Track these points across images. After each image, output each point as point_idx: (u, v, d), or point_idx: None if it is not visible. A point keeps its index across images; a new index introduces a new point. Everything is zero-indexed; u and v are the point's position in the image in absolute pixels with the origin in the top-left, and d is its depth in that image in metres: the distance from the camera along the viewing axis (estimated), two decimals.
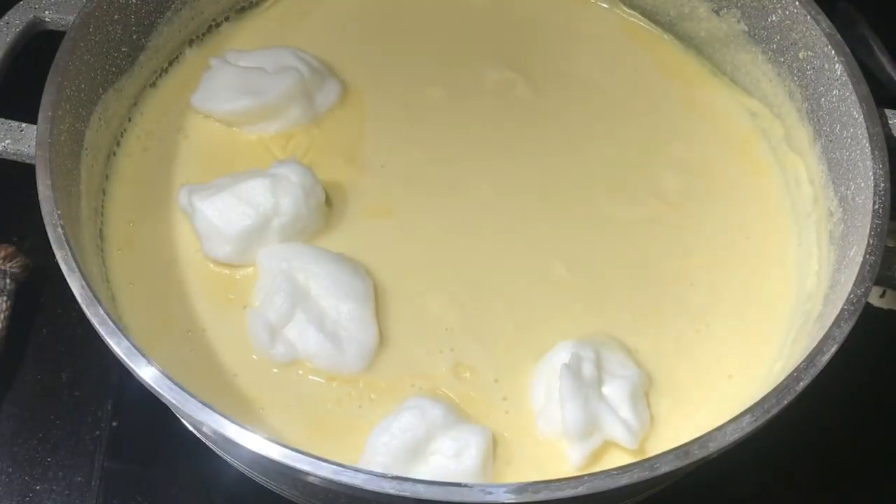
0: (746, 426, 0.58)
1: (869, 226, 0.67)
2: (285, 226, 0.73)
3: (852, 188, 0.72)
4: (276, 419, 0.68)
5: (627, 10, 0.93)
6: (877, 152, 0.70)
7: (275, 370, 0.70)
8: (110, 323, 0.60)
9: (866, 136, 0.71)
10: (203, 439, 0.69)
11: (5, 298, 0.82)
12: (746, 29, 0.85)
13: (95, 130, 0.75)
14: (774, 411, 0.59)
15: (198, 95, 0.82)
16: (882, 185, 0.69)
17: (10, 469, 0.78)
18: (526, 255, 0.77)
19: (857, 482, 0.82)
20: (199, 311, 0.72)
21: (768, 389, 0.60)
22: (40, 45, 0.75)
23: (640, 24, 0.92)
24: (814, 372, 0.60)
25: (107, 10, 0.75)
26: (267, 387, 0.69)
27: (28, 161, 0.69)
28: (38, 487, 0.78)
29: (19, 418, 0.81)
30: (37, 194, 0.64)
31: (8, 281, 0.83)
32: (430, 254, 0.76)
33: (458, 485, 0.55)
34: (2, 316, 0.82)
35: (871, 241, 0.66)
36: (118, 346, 0.59)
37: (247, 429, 0.56)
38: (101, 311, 0.60)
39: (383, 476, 0.54)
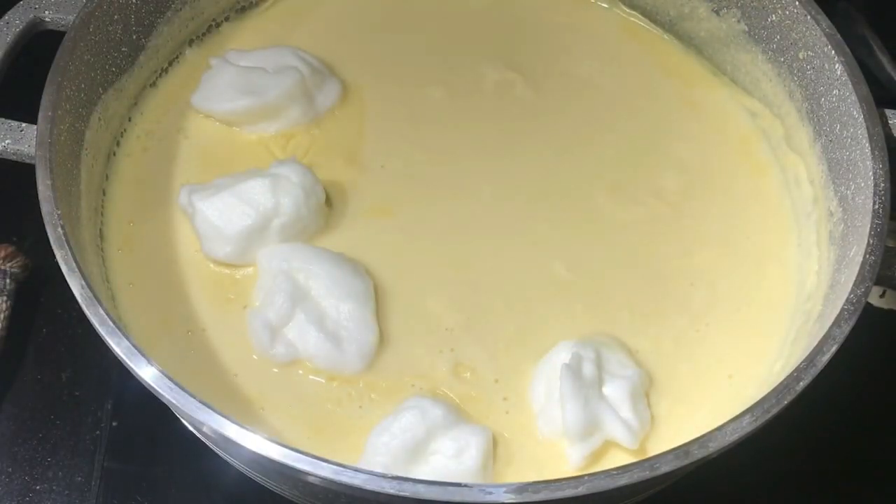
0: (746, 426, 0.58)
1: (869, 226, 0.67)
2: (285, 226, 0.73)
3: (852, 188, 0.72)
4: (276, 419, 0.68)
5: (627, 10, 0.93)
6: (877, 152, 0.70)
7: (275, 370, 0.70)
8: (110, 323, 0.60)
9: (866, 136, 0.71)
10: (203, 439, 0.69)
11: (5, 298, 0.82)
12: (746, 29, 0.85)
13: (95, 130, 0.75)
14: (774, 411, 0.59)
15: (198, 95, 0.82)
16: (882, 185, 0.69)
17: (10, 469, 0.78)
18: (526, 254, 0.77)
19: (857, 482, 0.82)
20: (200, 311, 0.72)
21: (768, 389, 0.60)
22: (40, 45, 0.75)
23: (639, 24, 0.92)
24: (814, 372, 0.60)
25: (107, 10, 0.75)
26: (267, 387, 0.69)
27: (28, 161, 0.69)
28: (38, 487, 0.78)
29: (19, 418, 0.81)
30: (37, 194, 0.64)
31: (8, 281, 0.83)
32: (431, 254, 0.76)
33: (458, 485, 0.55)
34: (2, 316, 0.82)
35: (871, 241, 0.66)
36: (118, 346, 0.59)
37: (247, 429, 0.56)
38: (101, 311, 0.60)
39: (383, 476, 0.54)
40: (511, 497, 0.54)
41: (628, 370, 0.69)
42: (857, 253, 0.67)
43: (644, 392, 0.70)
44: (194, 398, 0.57)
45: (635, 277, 0.76)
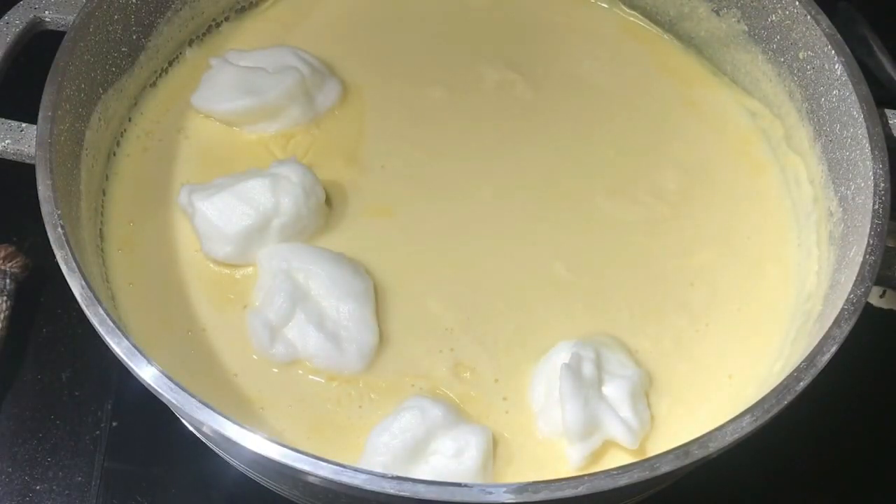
0: (746, 426, 0.58)
1: (869, 226, 0.67)
2: (285, 226, 0.73)
3: (852, 188, 0.72)
4: (276, 419, 0.68)
5: (627, 10, 0.93)
6: (877, 152, 0.70)
7: (275, 370, 0.70)
8: (110, 323, 0.60)
9: (866, 136, 0.71)
10: (203, 439, 0.69)
11: (5, 298, 0.82)
12: (746, 29, 0.85)
13: (95, 130, 0.75)
14: (774, 411, 0.59)
15: (198, 95, 0.82)
16: (882, 185, 0.69)
17: (10, 469, 0.78)
18: (526, 255, 0.77)
19: (857, 482, 0.82)
20: (199, 311, 0.72)
21: (768, 389, 0.60)
22: (40, 45, 0.75)
23: (639, 24, 0.92)
24: (814, 372, 0.60)
25: (107, 10, 0.75)
26: (267, 387, 0.69)
27: (28, 161, 0.69)
28: (38, 487, 0.78)
29: (19, 418, 0.81)
30: (37, 194, 0.64)
31: (8, 281, 0.83)
32: (431, 254, 0.76)
33: (458, 485, 0.55)
34: (2, 316, 0.82)
35: (871, 241, 0.66)
36: (118, 346, 0.59)
37: (247, 429, 0.56)
38: (101, 311, 0.60)
39: (383, 476, 0.54)
40: (511, 497, 0.54)
41: (628, 370, 0.69)
42: (857, 253, 0.67)
43: (644, 392, 0.70)
44: (194, 398, 0.57)
45: (635, 277, 0.76)
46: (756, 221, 0.80)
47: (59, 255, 0.62)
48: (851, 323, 0.62)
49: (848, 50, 0.75)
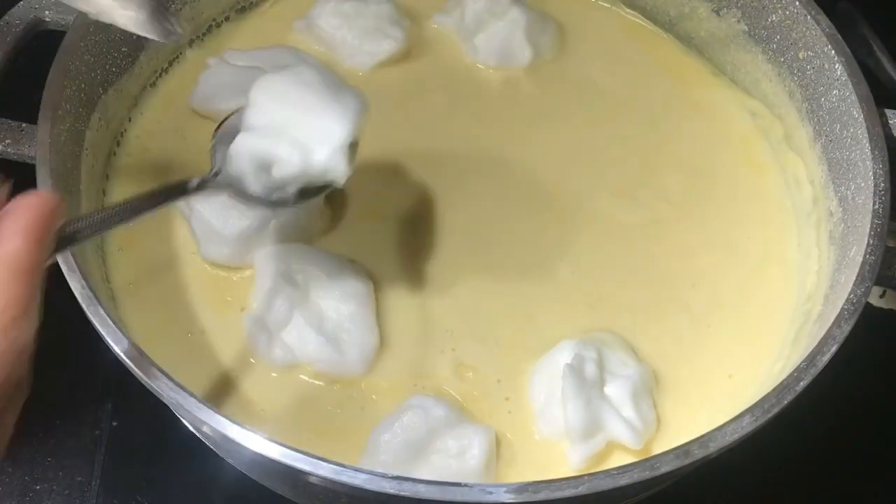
0: (746, 426, 0.58)
1: (869, 226, 0.67)
2: (283, 227, 0.73)
3: (852, 188, 0.72)
4: (277, 420, 0.68)
5: (628, 10, 0.93)
6: (877, 152, 0.70)
7: (274, 374, 0.70)
8: (110, 323, 0.60)
9: (866, 136, 0.71)
10: (203, 439, 0.69)
11: None
12: (746, 29, 0.85)
13: (95, 130, 0.75)
14: (774, 411, 0.59)
15: (196, 95, 0.82)
16: (882, 185, 0.69)
17: (10, 469, 0.78)
18: (529, 256, 0.77)
19: (857, 482, 0.82)
20: (199, 312, 0.72)
21: (768, 389, 0.60)
22: (40, 45, 0.75)
23: (640, 24, 0.93)
24: (814, 372, 0.60)
25: None
26: (267, 389, 0.69)
27: (28, 161, 0.69)
28: (38, 487, 0.78)
29: (19, 419, 0.81)
30: None
31: None
32: (431, 255, 0.76)
33: (459, 484, 0.55)
34: None
35: (871, 241, 0.66)
36: (118, 346, 0.59)
37: (247, 429, 0.56)
38: (101, 311, 0.60)
39: (383, 475, 0.54)
40: (511, 497, 0.54)
41: (629, 369, 0.69)
42: (857, 253, 0.67)
43: (649, 391, 0.70)
44: (194, 398, 0.57)
45: (636, 278, 0.76)
46: (756, 222, 0.80)
47: (59, 255, 0.62)
48: (851, 323, 0.62)
49: (848, 50, 0.75)
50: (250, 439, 0.56)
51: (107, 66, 0.77)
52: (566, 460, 0.66)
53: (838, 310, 0.63)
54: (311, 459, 0.55)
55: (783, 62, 0.82)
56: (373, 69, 0.86)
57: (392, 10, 0.87)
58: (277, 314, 0.70)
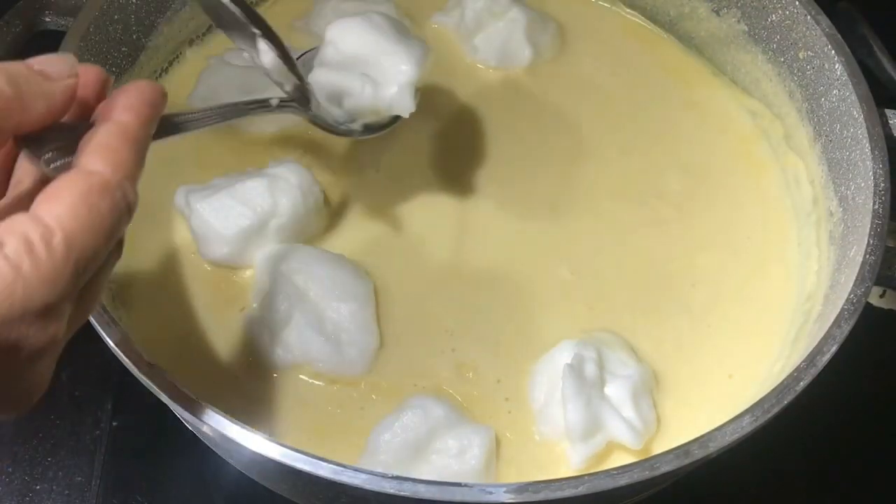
0: (746, 426, 0.58)
1: (869, 226, 0.67)
2: (284, 227, 0.73)
3: (852, 188, 0.72)
4: (277, 421, 0.68)
5: (628, 10, 0.93)
6: (877, 152, 0.70)
7: (275, 374, 0.70)
8: (110, 323, 0.60)
9: (866, 136, 0.71)
10: (203, 439, 0.69)
11: None
12: (746, 29, 0.85)
13: None
14: (774, 411, 0.59)
15: (195, 95, 0.82)
16: (882, 185, 0.69)
17: (10, 469, 0.78)
18: (528, 255, 0.77)
19: (857, 482, 0.82)
20: (199, 312, 0.72)
21: (768, 389, 0.60)
22: (40, 45, 0.75)
23: (640, 24, 0.93)
24: (814, 372, 0.60)
25: (107, 10, 0.75)
26: (267, 389, 0.69)
27: None
28: (38, 487, 0.78)
29: (19, 418, 0.81)
30: None
31: None
32: (430, 255, 0.76)
33: (458, 484, 0.55)
34: None
35: (871, 241, 0.66)
36: (118, 346, 0.59)
37: (247, 429, 0.56)
38: (101, 311, 0.60)
39: (383, 475, 0.54)
40: (511, 497, 0.54)
41: (629, 369, 0.69)
42: (857, 253, 0.67)
43: (649, 391, 0.70)
44: (194, 398, 0.57)
45: (637, 279, 0.76)
46: (756, 222, 0.80)
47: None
48: (851, 323, 0.62)
49: (848, 50, 0.75)
50: (250, 439, 0.56)
51: (107, 67, 0.77)
52: (566, 460, 0.66)
53: (838, 310, 0.63)
54: (311, 459, 0.55)
55: (783, 62, 0.82)
56: None
57: (392, 9, 0.87)
58: (277, 314, 0.70)
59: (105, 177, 0.44)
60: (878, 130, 0.71)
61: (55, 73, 0.46)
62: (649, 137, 0.85)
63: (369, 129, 0.73)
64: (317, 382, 0.69)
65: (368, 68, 0.70)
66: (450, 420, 0.65)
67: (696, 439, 0.57)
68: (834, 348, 0.61)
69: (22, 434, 0.80)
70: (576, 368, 0.66)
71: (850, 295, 0.64)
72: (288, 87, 0.68)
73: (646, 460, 0.56)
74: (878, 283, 0.65)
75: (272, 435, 0.56)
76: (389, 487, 0.54)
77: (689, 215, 0.80)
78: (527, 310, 0.74)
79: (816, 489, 0.81)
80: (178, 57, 0.86)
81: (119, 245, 0.48)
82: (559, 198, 0.80)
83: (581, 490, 0.54)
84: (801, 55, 0.79)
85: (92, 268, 0.44)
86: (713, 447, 0.57)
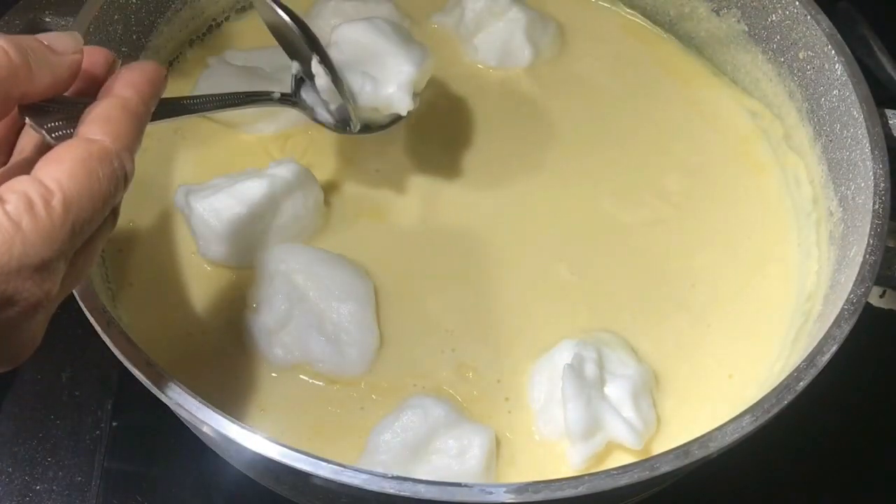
0: (746, 426, 0.58)
1: (869, 226, 0.67)
2: (283, 227, 0.73)
3: (852, 188, 0.72)
4: (277, 421, 0.68)
5: (628, 10, 0.93)
6: (877, 152, 0.70)
7: (274, 374, 0.70)
8: (110, 323, 0.60)
9: (866, 136, 0.71)
10: (203, 439, 0.69)
11: None
12: (746, 29, 0.85)
13: None
14: (774, 411, 0.59)
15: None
16: (882, 185, 0.69)
17: (10, 469, 0.78)
18: (528, 255, 0.77)
19: (857, 482, 0.82)
20: (199, 312, 0.72)
21: (768, 389, 0.60)
22: None
23: (640, 24, 0.93)
24: (814, 372, 0.60)
25: (107, 10, 0.75)
26: (267, 389, 0.69)
27: None
28: (38, 487, 0.78)
29: (19, 418, 0.81)
30: None
31: None
32: (430, 255, 0.76)
33: (458, 484, 0.54)
34: None
35: (871, 241, 0.66)
36: (118, 347, 0.59)
37: (247, 429, 0.56)
38: (102, 312, 0.60)
39: (383, 475, 0.54)
40: (511, 497, 0.54)
41: (629, 369, 0.69)
42: (857, 253, 0.67)
43: (649, 391, 0.70)
44: (194, 398, 0.57)
45: (637, 278, 0.76)
46: (756, 222, 0.80)
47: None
48: (851, 323, 0.62)
49: (848, 50, 0.75)
50: (250, 439, 0.56)
51: None
52: (566, 460, 0.66)
53: (838, 310, 0.63)
54: (311, 459, 0.55)
55: (783, 62, 0.82)
56: None
57: (392, 9, 0.87)
58: (277, 314, 0.70)
59: (104, 145, 0.47)
60: (878, 130, 0.71)
61: (62, 47, 0.49)
62: (649, 137, 0.85)
63: (367, 127, 0.75)
64: (317, 382, 0.69)
65: (369, 68, 0.72)
66: (450, 420, 0.65)
67: (696, 439, 0.57)
68: (834, 348, 0.61)
69: (22, 434, 0.80)
70: (576, 368, 0.66)
71: (850, 295, 0.64)
72: (332, 107, 0.73)
73: (646, 460, 0.56)
74: (878, 283, 0.65)
75: (272, 435, 0.56)
76: (389, 487, 0.54)
77: (688, 215, 0.80)
78: (527, 310, 0.74)
79: (816, 489, 0.81)
80: (178, 57, 0.86)
81: (114, 214, 0.50)
82: (559, 198, 0.80)
83: (581, 490, 0.54)
84: (801, 55, 0.79)
85: (88, 230, 0.46)
86: (713, 447, 0.57)
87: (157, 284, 0.73)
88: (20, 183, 0.44)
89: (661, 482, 0.62)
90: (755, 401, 0.59)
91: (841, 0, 0.95)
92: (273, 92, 0.71)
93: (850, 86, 0.73)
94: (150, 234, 0.75)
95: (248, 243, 0.73)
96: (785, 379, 0.60)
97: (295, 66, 0.73)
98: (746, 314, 0.75)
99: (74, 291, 0.61)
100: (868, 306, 0.64)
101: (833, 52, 0.75)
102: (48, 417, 0.81)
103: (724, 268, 0.77)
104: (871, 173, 0.69)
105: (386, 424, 0.65)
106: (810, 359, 0.61)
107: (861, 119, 0.71)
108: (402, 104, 0.72)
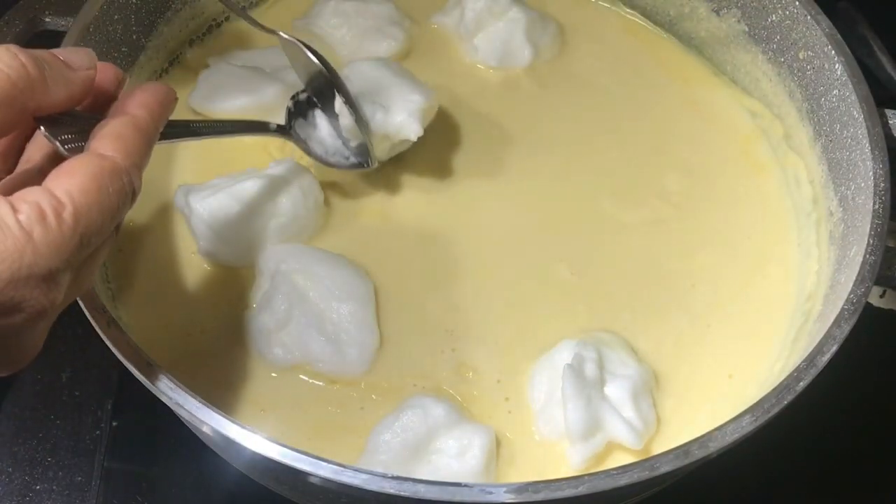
0: (746, 426, 0.58)
1: (869, 226, 0.67)
2: (283, 227, 0.73)
3: (852, 188, 0.72)
4: (277, 421, 0.68)
5: (628, 10, 0.93)
6: (877, 152, 0.70)
7: (274, 374, 0.70)
8: (110, 323, 0.60)
9: (866, 136, 0.71)
10: (203, 439, 0.69)
11: None
12: (746, 29, 0.85)
13: None
14: (774, 411, 0.59)
15: (195, 95, 0.82)
16: (882, 185, 0.69)
17: (10, 469, 0.78)
18: (528, 255, 0.77)
19: (857, 482, 0.82)
20: (199, 312, 0.72)
21: (768, 389, 0.60)
22: (40, 45, 0.75)
23: (640, 24, 0.93)
24: (814, 372, 0.60)
25: (107, 10, 0.75)
26: (267, 389, 0.69)
27: None
28: (38, 487, 0.78)
29: (19, 418, 0.81)
30: None
31: None
32: (430, 255, 0.76)
33: (458, 484, 0.55)
34: None
35: (871, 241, 0.66)
36: (118, 347, 0.59)
37: (247, 429, 0.56)
38: (102, 312, 0.60)
39: (383, 475, 0.54)
40: (511, 497, 0.54)
41: (630, 369, 0.69)
42: (857, 253, 0.67)
43: (649, 391, 0.70)
44: (194, 398, 0.57)
45: (637, 278, 0.76)
46: (756, 222, 0.80)
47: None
48: (851, 323, 0.62)
49: (848, 50, 0.75)
50: (250, 439, 0.56)
51: None
52: (566, 460, 0.66)
53: (838, 310, 0.63)
54: (311, 459, 0.55)
55: (783, 62, 0.82)
56: None
57: (392, 9, 0.88)
58: (277, 314, 0.70)
59: (116, 161, 0.48)
60: (878, 130, 0.71)
61: (77, 63, 0.50)
62: (649, 137, 0.85)
63: (361, 165, 0.77)
64: (317, 382, 0.69)
65: (380, 98, 0.75)
66: (450, 420, 0.65)
67: (696, 439, 0.57)
68: (834, 348, 0.61)
69: (22, 434, 0.80)
70: (576, 368, 0.66)
71: (850, 295, 0.64)
72: (353, 144, 0.76)
73: (646, 460, 0.56)
74: (878, 283, 0.65)
75: (272, 435, 0.56)
76: (389, 487, 0.54)
77: (688, 215, 0.80)
78: (527, 310, 0.74)
79: (816, 489, 0.81)
80: (178, 57, 0.86)
81: (117, 229, 0.52)
82: (559, 197, 0.80)
83: (581, 490, 0.54)
84: (801, 55, 0.79)
85: (94, 243, 0.48)
86: (713, 447, 0.57)
87: (157, 284, 0.73)
88: (33, 193, 0.45)
89: (661, 482, 0.62)
90: (755, 401, 0.59)
91: (841, 0, 0.95)
92: (270, 123, 0.75)
93: (850, 86, 0.73)
94: (151, 234, 0.75)
95: (247, 243, 0.73)
96: (785, 379, 0.60)
97: (290, 101, 0.76)
98: (746, 314, 0.75)
99: None
100: (868, 306, 0.64)
101: (833, 52, 0.75)
102: (48, 417, 0.81)
103: (724, 268, 0.77)
104: (871, 173, 0.69)
105: (386, 424, 0.65)
106: (810, 359, 0.61)
107: (861, 119, 0.71)
108: (412, 129, 0.74)
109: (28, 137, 0.53)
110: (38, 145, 0.52)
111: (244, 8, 0.90)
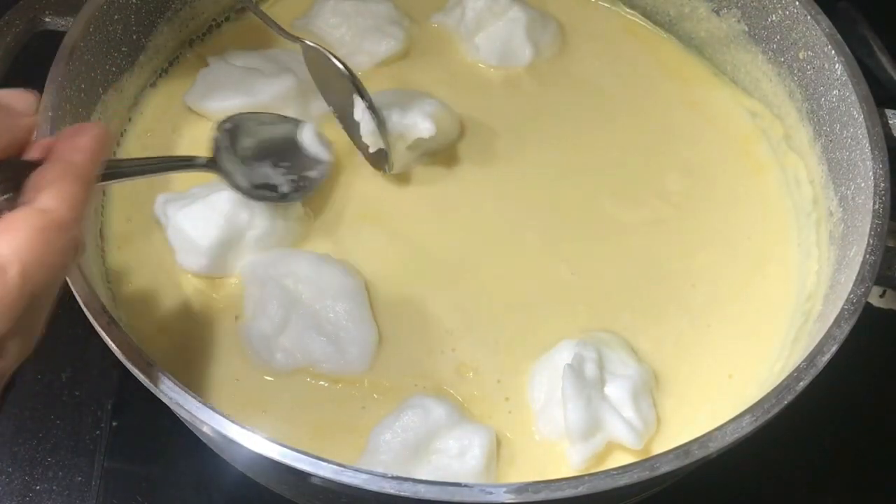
0: (746, 426, 0.58)
1: (869, 226, 0.67)
2: (260, 238, 0.72)
3: (852, 188, 0.72)
4: (278, 421, 0.68)
5: (628, 10, 0.93)
6: (877, 152, 0.70)
7: (276, 378, 0.69)
8: (110, 323, 0.60)
9: (866, 136, 0.71)
10: (203, 439, 0.69)
11: None
12: (746, 29, 0.85)
13: None
14: (774, 411, 0.59)
15: (192, 93, 0.81)
16: (882, 185, 0.69)
17: (10, 469, 0.78)
18: (528, 255, 0.77)
19: (856, 482, 0.82)
20: (197, 315, 0.72)
21: (768, 389, 0.60)
22: (40, 45, 0.75)
23: (640, 24, 0.93)
24: (814, 372, 0.60)
25: (107, 10, 0.75)
26: (267, 389, 0.69)
27: None
28: (38, 487, 0.78)
29: (19, 418, 0.81)
30: None
31: None
32: (430, 255, 0.76)
33: (458, 484, 0.55)
34: None
35: (871, 241, 0.66)
36: (118, 347, 0.59)
37: (247, 429, 0.56)
38: (102, 312, 0.60)
39: (383, 475, 0.54)
40: (511, 497, 0.54)
41: (630, 369, 0.69)
42: (857, 253, 0.67)
43: (649, 391, 0.70)
44: (194, 398, 0.57)
45: (637, 278, 0.76)
46: (756, 222, 0.80)
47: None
48: (851, 323, 0.62)
49: (848, 50, 0.75)
50: (250, 439, 0.56)
51: (107, 66, 0.77)
52: (566, 460, 0.66)
53: (838, 310, 0.63)
54: (311, 459, 0.55)
55: (783, 62, 0.82)
56: (372, 69, 0.86)
57: (392, 9, 0.87)
58: (273, 321, 0.69)
59: (61, 215, 0.45)
60: (878, 130, 0.71)
61: (20, 108, 0.47)
62: (649, 137, 0.85)
63: (290, 196, 0.74)
64: (320, 382, 0.69)
65: (397, 105, 0.77)
66: (450, 420, 0.65)
67: (696, 439, 0.57)
68: (834, 348, 0.61)
69: (22, 434, 0.80)
70: (576, 368, 0.66)
71: (850, 295, 0.64)
72: (373, 150, 0.77)
73: (646, 460, 0.56)
74: (878, 283, 0.65)
75: (272, 435, 0.56)
76: (389, 487, 0.54)
77: (688, 215, 0.80)
78: (527, 309, 0.74)
79: (816, 489, 0.81)
80: (178, 57, 0.86)
81: (62, 279, 0.48)
82: (559, 197, 0.80)
83: (581, 490, 0.54)
84: (801, 55, 0.79)
85: (42, 303, 0.45)
86: (713, 447, 0.57)
87: (155, 286, 0.73)
88: None
89: (661, 482, 0.62)
90: (755, 401, 0.59)
91: (841, 0, 0.95)
92: (197, 157, 0.71)
93: (850, 86, 0.73)
94: (150, 234, 0.75)
95: (224, 254, 0.72)
96: (785, 379, 0.60)
97: (216, 132, 0.73)
98: (746, 314, 0.75)
99: (74, 292, 0.61)
100: (868, 306, 0.64)
101: (833, 52, 0.75)
102: (48, 417, 0.81)
103: (724, 268, 0.77)
104: (871, 173, 0.69)
105: (386, 424, 0.65)
106: (810, 359, 0.61)
107: (861, 119, 0.71)
108: (426, 127, 0.76)
109: None
110: None
111: (244, 8, 0.89)
